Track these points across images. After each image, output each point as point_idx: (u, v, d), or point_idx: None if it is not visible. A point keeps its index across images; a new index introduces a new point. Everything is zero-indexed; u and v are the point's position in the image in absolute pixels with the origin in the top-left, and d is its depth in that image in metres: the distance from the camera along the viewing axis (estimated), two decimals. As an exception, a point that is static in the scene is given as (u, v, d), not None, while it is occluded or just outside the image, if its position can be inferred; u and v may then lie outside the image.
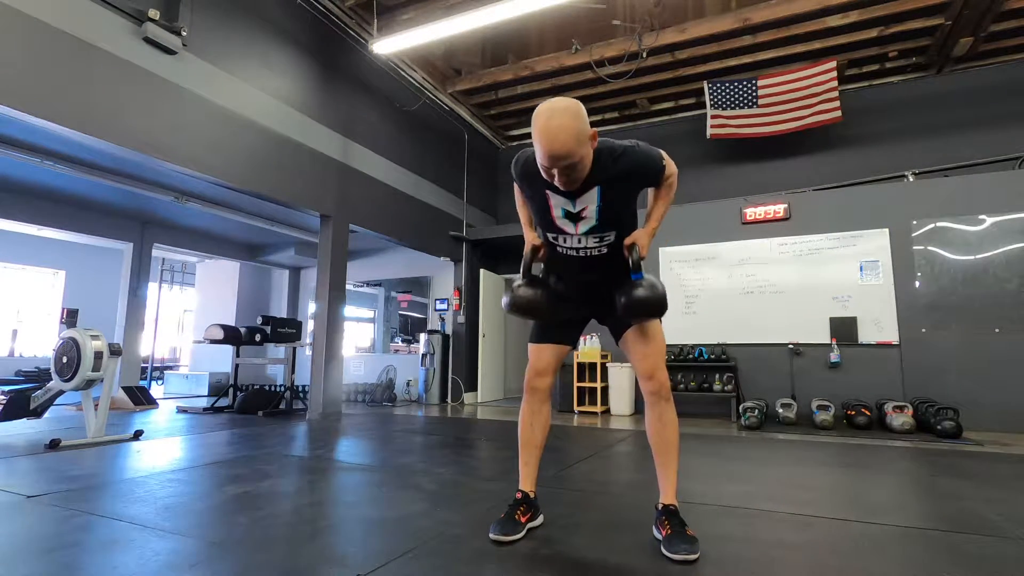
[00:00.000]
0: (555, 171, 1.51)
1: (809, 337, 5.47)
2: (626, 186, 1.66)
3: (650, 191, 1.78)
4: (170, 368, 11.22)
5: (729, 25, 5.68)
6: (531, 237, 1.85)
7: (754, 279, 5.78)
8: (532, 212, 1.88)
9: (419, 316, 8.53)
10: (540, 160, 1.52)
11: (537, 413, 1.90)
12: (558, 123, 1.45)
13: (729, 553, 1.67)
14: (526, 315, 1.78)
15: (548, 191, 1.69)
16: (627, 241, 1.68)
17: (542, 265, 1.87)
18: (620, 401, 5.85)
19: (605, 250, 1.74)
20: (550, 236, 1.80)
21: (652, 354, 1.75)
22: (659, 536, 1.70)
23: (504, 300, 1.79)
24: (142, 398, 6.22)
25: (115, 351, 3.74)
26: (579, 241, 1.75)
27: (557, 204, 1.70)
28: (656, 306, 1.64)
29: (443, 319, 7.87)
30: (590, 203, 1.66)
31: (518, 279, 1.80)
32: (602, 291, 1.83)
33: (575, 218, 1.70)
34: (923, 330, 5.08)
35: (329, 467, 2.98)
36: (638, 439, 4.11)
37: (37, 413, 3.77)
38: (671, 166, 1.72)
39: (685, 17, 5.93)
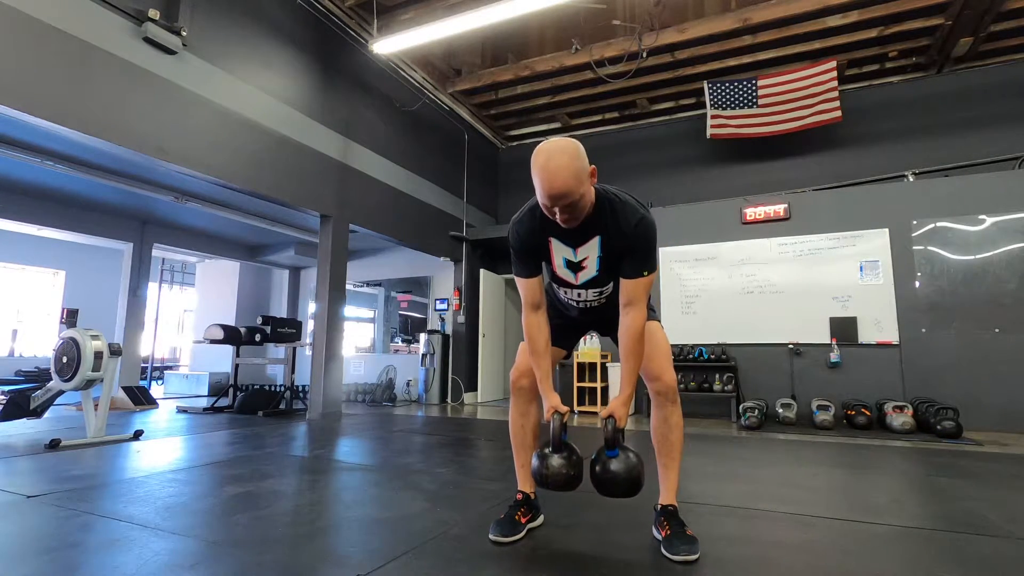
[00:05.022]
0: (556, 209, 1.51)
1: (809, 337, 5.46)
2: (624, 243, 1.60)
3: (620, 348, 1.64)
4: (170, 368, 11.22)
5: (729, 25, 5.68)
6: (554, 402, 1.64)
7: (754, 279, 5.78)
8: (540, 266, 1.76)
9: (419, 316, 8.53)
10: (541, 200, 1.52)
11: (526, 414, 1.88)
12: (556, 163, 1.45)
13: (729, 553, 1.67)
14: (560, 490, 1.60)
15: (551, 238, 1.67)
16: (603, 414, 1.61)
17: (566, 433, 1.66)
18: (620, 401, 5.83)
19: (604, 301, 1.77)
20: (554, 285, 1.83)
21: (658, 355, 1.73)
22: (659, 536, 1.71)
23: (534, 468, 1.60)
24: (142, 398, 6.21)
25: (115, 351, 3.74)
26: (579, 295, 1.76)
27: (559, 253, 1.70)
28: (630, 485, 1.53)
29: (443, 319, 7.87)
30: (591, 252, 1.65)
31: (548, 450, 1.60)
32: (601, 318, 1.86)
33: (576, 267, 1.70)
34: (923, 330, 5.08)
35: (329, 467, 2.98)
36: (638, 439, 4.10)
37: (37, 413, 3.77)
38: (647, 297, 1.65)
39: (685, 17, 5.93)
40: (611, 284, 1.72)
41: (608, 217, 1.59)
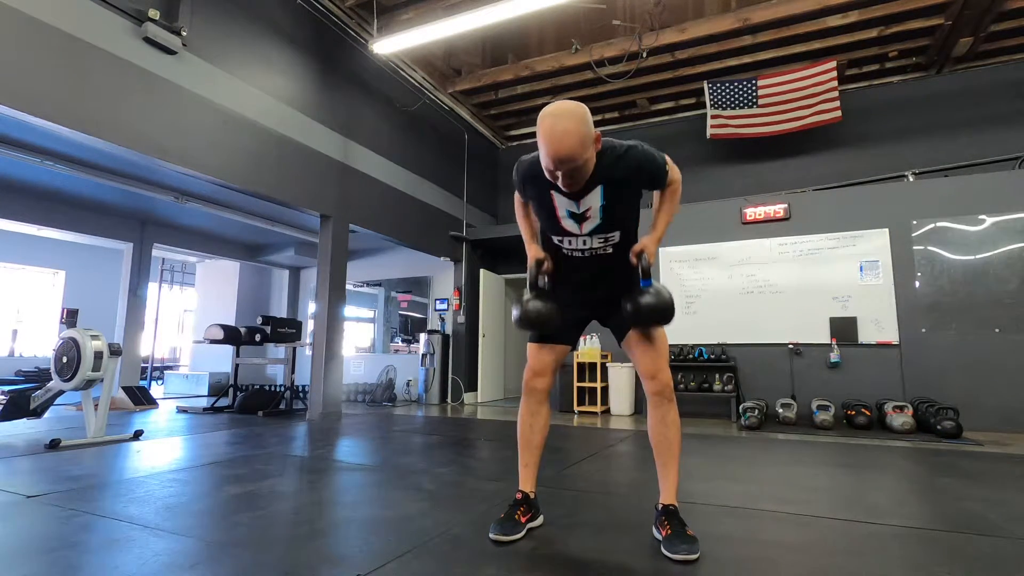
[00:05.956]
0: (559, 173, 1.53)
1: (809, 337, 5.46)
2: (628, 186, 1.67)
3: (655, 196, 1.79)
4: (170, 368, 11.22)
5: (729, 25, 5.68)
6: (534, 251, 1.82)
7: (754, 279, 5.78)
8: (537, 216, 1.87)
9: (419, 316, 8.53)
10: (544, 163, 1.54)
11: (536, 414, 1.89)
12: (563, 128, 1.46)
13: (729, 553, 1.67)
14: (538, 328, 1.77)
15: (552, 191, 1.71)
16: (635, 248, 1.69)
17: (546, 279, 1.83)
18: (620, 401, 5.85)
19: (610, 250, 1.76)
20: (555, 239, 1.82)
21: (655, 354, 1.74)
22: (659, 536, 1.70)
23: (514, 314, 1.76)
24: (142, 398, 6.22)
25: (115, 351, 3.74)
26: (584, 243, 1.76)
27: (561, 205, 1.72)
28: (663, 312, 1.64)
29: (443, 319, 7.87)
30: (594, 203, 1.67)
31: (526, 293, 1.77)
32: (605, 293, 1.85)
33: (580, 218, 1.72)
34: (923, 330, 5.08)
35: (329, 467, 2.98)
36: (638, 439, 4.10)
37: (37, 413, 3.77)
38: (674, 171, 1.73)
39: (685, 17, 5.93)
40: (617, 232, 1.73)
41: (609, 168, 1.62)
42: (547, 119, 1.49)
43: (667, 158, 1.71)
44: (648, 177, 1.68)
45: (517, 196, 1.96)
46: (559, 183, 1.57)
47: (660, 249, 6.18)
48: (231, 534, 1.82)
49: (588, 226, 1.72)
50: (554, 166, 1.51)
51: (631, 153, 1.63)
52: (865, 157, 6.42)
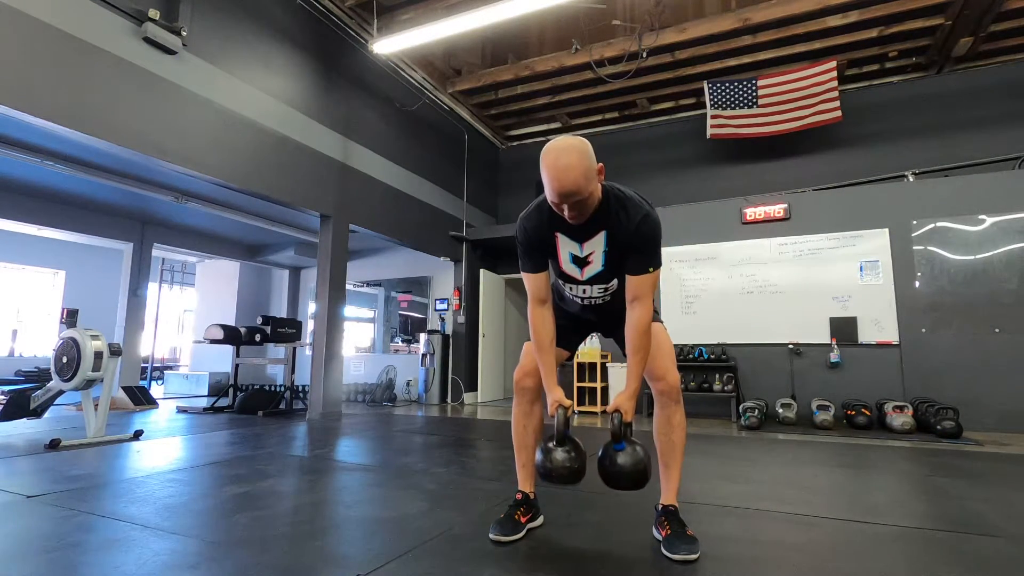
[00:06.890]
0: (565, 206, 1.54)
1: (809, 337, 5.46)
2: (628, 239, 1.62)
3: (627, 342, 1.65)
4: (170, 368, 11.22)
5: (729, 25, 5.68)
6: (558, 395, 1.66)
7: (754, 279, 5.78)
8: (547, 262, 1.77)
9: (419, 316, 8.53)
10: (550, 198, 1.55)
11: (529, 414, 1.88)
12: (565, 163, 1.47)
13: (729, 553, 1.67)
14: (564, 483, 1.62)
15: (558, 233, 1.69)
16: (610, 408, 1.62)
17: (569, 430, 1.67)
18: (620, 401, 5.83)
19: (609, 298, 1.78)
20: (560, 282, 1.84)
21: (661, 356, 1.72)
22: (659, 536, 1.71)
23: (538, 462, 1.62)
24: (142, 398, 6.21)
25: (115, 351, 3.74)
26: (584, 291, 1.77)
27: (565, 248, 1.72)
28: (635, 478, 1.53)
29: (443, 319, 7.87)
30: (597, 248, 1.67)
31: (551, 443, 1.61)
32: (607, 316, 1.87)
33: (581, 263, 1.72)
34: (923, 330, 5.08)
35: (329, 467, 2.98)
36: (638, 439, 4.10)
37: (37, 413, 3.77)
38: (654, 288, 1.65)
39: (685, 17, 5.93)
40: (615, 281, 1.73)
41: (614, 213, 1.61)
42: (550, 155, 1.50)
43: (661, 267, 1.66)
44: (640, 245, 1.61)
45: (531, 296, 1.75)
46: (565, 215, 1.56)
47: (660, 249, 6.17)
48: (231, 534, 1.82)
49: (589, 271, 1.72)
50: (559, 200, 1.51)
51: (641, 211, 1.59)
52: (865, 157, 6.42)
